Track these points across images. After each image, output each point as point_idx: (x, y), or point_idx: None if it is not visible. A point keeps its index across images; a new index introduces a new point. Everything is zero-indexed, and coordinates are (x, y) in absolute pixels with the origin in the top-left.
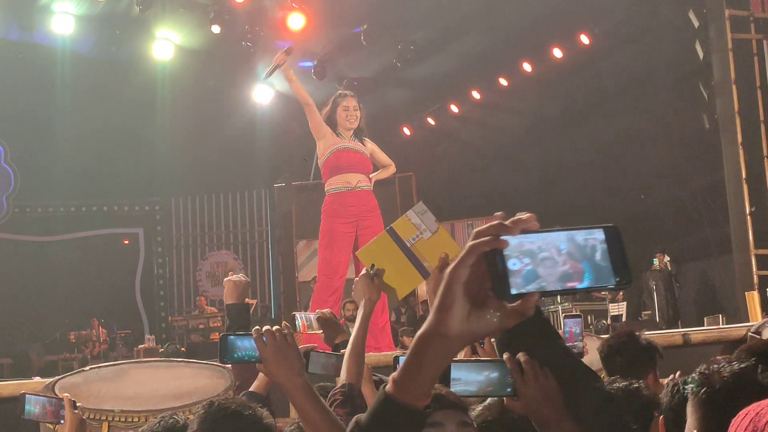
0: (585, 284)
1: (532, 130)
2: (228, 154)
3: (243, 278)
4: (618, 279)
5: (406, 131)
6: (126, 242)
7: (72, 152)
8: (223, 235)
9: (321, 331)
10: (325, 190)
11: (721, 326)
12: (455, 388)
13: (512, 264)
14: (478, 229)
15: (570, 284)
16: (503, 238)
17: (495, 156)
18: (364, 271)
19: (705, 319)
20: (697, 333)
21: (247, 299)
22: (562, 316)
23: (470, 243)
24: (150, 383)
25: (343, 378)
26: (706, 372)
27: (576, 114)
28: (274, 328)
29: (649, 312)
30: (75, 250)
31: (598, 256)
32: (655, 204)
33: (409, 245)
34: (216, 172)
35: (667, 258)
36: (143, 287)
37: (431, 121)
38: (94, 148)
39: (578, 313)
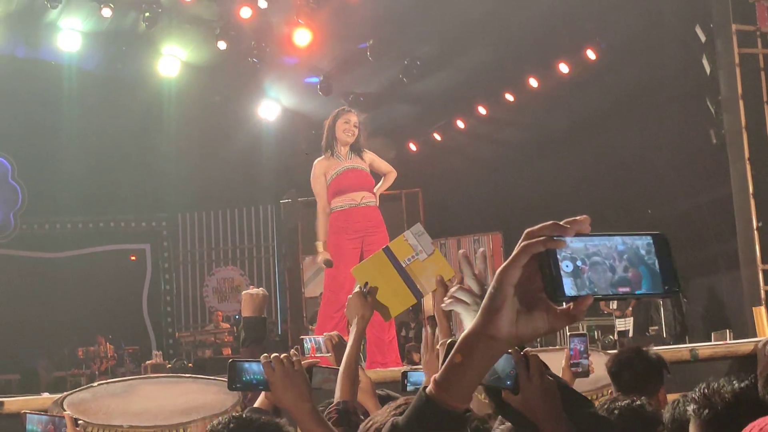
0: (638, 291)
1: (538, 145)
2: (234, 169)
3: (261, 291)
4: (667, 287)
5: (413, 146)
6: (133, 258)
7: (79, 168)
8: (229, 250)
9: (330, 353)
10: (330, 208)
11: (728, 342)
12: None
13: (565, 266)
14: (529, 229)
15: (623, 290)
16: (558, 238)
17: (502, 171)
18: (357, 289)
19: (712, 334)
20: (705, 348)
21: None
22: (567, 333)
23: (523, 243)
24: (158, 399)
25: (337, 396)
26: (707, 392)
27: (582, 129)
28: (282, 355)
29: (657, 327)
30: (82, 266)
31: (649, 262)
32: (662, 219)
33: (404, 265)
34: (222, 188)
35: None
36: (150, 303)
37: (437, 136)
38: (100, 164)
39: (583, 331)
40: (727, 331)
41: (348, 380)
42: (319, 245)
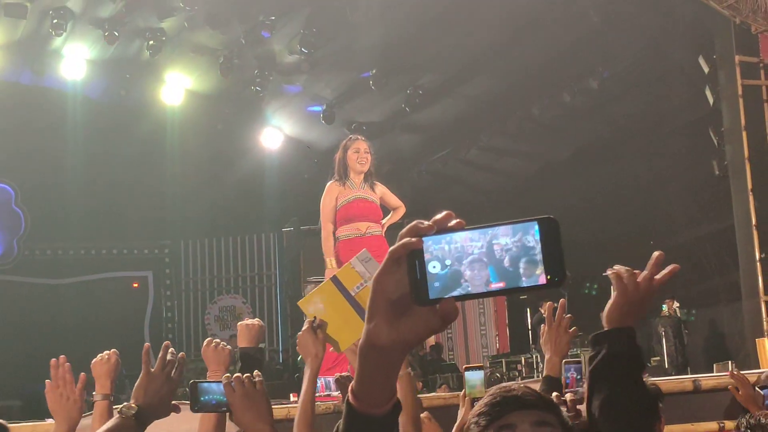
0: (513, 285)
1: (540, 175)
2: (237, 197)
3: (257, 322)
4: (549, 277)
5: (414, 176)
6: (135, 285)
7: (82, 195)
8: (231, 278)
9: (339, 393)
10: (336, 237)
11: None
12: None
13: (432, 267)
14: (401, 232)
15: (496, 285)
16: (418, 238)
17: (503, 201)
18: (306, 325)
19: (714, 365)
20: (708, 379)
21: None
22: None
23: (391, 248)
24: (162, 425)
25: None
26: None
27: (585, 159)
28: (245, 375)
29: (658, 358)
30: (84, 293)
31: (529, 252)
32: (665, 250)
33: (353, 294)
34: (225, 216)
35: (676, 304)
36: (152, 330)
37: (439, 165)
38: (103, 191)
39: (578, 358)
40: (730, 362)
41: (305, 425)
42: (329, 261)
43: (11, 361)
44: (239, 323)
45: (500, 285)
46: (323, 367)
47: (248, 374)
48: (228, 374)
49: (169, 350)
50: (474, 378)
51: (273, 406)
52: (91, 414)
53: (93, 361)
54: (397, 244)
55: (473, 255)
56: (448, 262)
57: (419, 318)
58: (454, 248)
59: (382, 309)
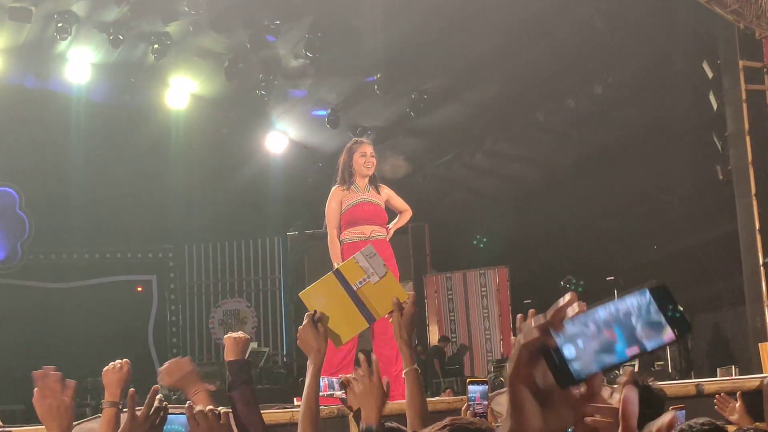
0: (649, 346)
1: (544, 180)
2: (241, 201)
3: (243, 335)
4: (677, 330)
5: (420, 180)
6: (139, 289)
7: (86, 199)
8: (236, 282)
9: (342, 394)
10: (340, 240)
11: (734, 377)
12: None
13: (568, 352)
14: (525, 330)
15: (632, 352)
16: (551, 337)
17: (508, 206)
18: (306, 320)
19: (718, 370)
20: (711, 384)
21: (255, 348)
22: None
23: (520, 343)
24: None
25: None
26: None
27: (589, 164)
28: (208, 408)
29: (662, 363)
30: (88, 297)
31: (654, 316)
32: (668, 255)
33: (355, 288)
34: (229, 220)
35: (680, 308)
36: (156, 334)
37: (444, 170)
38: (108, 195)
39: (484, 379)
40: (733, 366)
41: (310, 424)
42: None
43: (15, 365)
44: (225, 336)
45: (635, 350)
46: (327, 370)
47: (212, 407)
48: (191, 405)
49: (157, 397)
50: (476, 392)
51: (276, 411)
52: (96, 417)
53: (104, 369)
54: (528, 340)
55: (601, 331)
56: (579, 342)
57: (562, 405)
58: (581, 329)
59: (527, 401)
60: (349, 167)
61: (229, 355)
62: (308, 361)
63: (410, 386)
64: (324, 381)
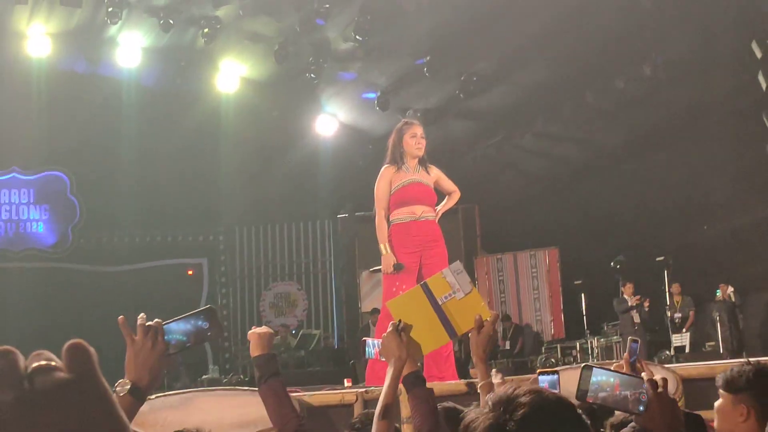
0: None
1: (594, 161)
2: (291, 184)
3: (266, 329)
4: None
5: (469, 162)
6: (190, 272)
7: (136, 183)
8: (286, 265)
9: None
10: (390, 220)
11: None
12: (591, 392)
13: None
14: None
15: None
16: None
17: (557, 187)
18: (391, 327)
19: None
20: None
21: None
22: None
23: None
24: (215, 411)
25: None
26: None
27: (638, 145)
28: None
29: (713, 343)
30: (139, 281)
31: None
32: (718, 235)
33: (440, 303)
34: (279, 203)
35: (731, 289)
36: None
37: (494, 151)
38: (158, 178)
39: (555, 369)
40: None
41: (386, 425)
42: (384, 247)
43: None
44: (249, 332)
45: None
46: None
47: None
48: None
49: (141, 316)
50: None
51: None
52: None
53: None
54: None
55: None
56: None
57: None
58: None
59: None
60: (400, 148)
61: (254, 351)
62: (389, 366)
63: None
64: (375, 347)
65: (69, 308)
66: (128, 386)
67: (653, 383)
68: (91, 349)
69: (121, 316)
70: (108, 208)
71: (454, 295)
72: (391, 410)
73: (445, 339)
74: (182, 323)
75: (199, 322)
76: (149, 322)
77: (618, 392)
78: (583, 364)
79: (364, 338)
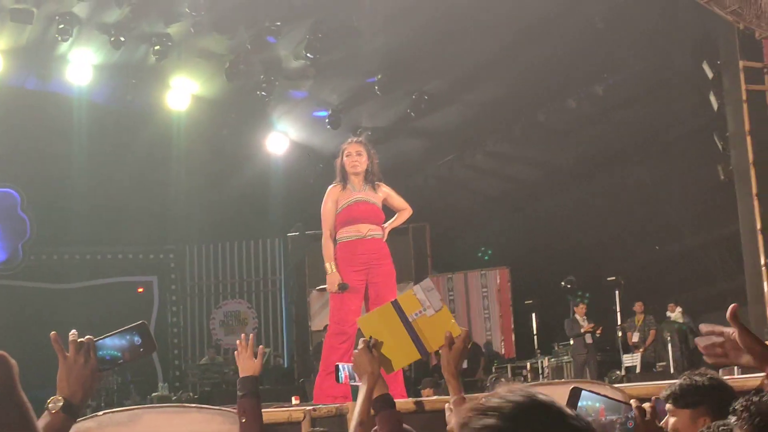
0: None
1: (545, 181)
2: (242, 202)
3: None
4: None
5: (421, 180)
6: (140, 290)
7: (87, 200)
8: (237, 283)
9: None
10: (336, 239)
11: (735, 376)
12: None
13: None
14: None
15: None
16: None
17: (509, 206)
18: (362, 344)
19: (720, 370)
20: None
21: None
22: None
23: None
24: (163, 428)
25: None
26: (755, 401)
27: (590, 165)
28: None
29: (664, 363)
30: (90, 298)
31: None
32: (670, 256)
33: (410, 320)
34: (230, 221)
35: (679, 309)
36: (157, 335)
37: (445, 170)
38: (109, 196)
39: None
40: (735, 367)
41: None
42: (329, 266)
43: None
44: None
45: None
46: (326, 369)
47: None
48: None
49: (72, 332)
50: None
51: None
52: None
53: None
54: None
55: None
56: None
57: None
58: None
59: None
60: (343, 168)
61: (246, 372)
62: (362, 383)
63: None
64: (345, 370)
65: (19, 325)
66: (61, 403)
67: (642, 410)
68: (12, 362)
69: (53, 332)
70: (59, 224)
71: (425, 312)
72: (366, 426)
73: (415, 355)
74: (116, 339)
75: (133, 338)
76: (81, 339)
77: (604, 417)
78: (573, 386)
79: (336, 363)
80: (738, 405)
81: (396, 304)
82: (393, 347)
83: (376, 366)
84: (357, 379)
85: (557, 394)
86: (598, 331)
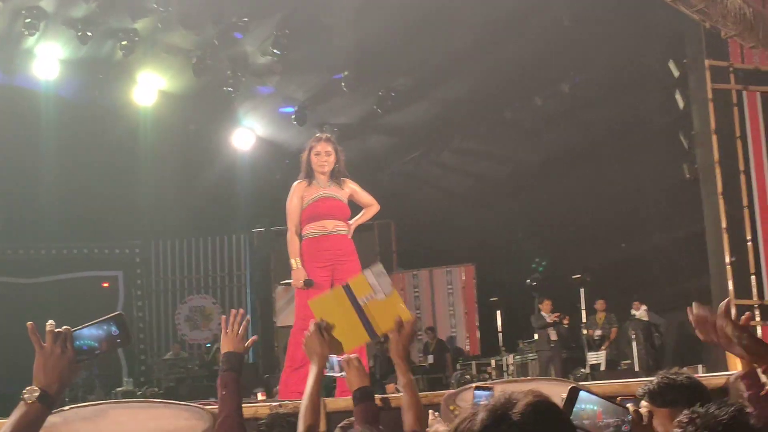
0: None
1: (512, 178)
2: (208, 198)
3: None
4: None
5: (387, 177)
6: (105, 285)
7: (53, 195)
8: (202, 278)
9: (343, 374)
10: (302, 235)
11: (700, 375)
12: (573, 417)
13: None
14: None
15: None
16: None
17: (475, 204)
18: (313, 327)
19: (685, 369)
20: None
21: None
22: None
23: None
24: (129, 423)
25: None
26: (701, 414)
27: (556, 162)
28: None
29: (629, 361)
30: (55, 293)
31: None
32: (636, 253)
33: (361, 304)
34: (196, 216)
35: (644, 307)
36: None
37: (411, 167)
38: (75, 190)
39: (490, 385)
40: (699, 366)
41: (311, 416)
42: (295, 262)
43: None
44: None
45: None
46: (292, 366)
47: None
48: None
49: (49, 323)
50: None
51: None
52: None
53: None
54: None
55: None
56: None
57: None
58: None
59: None
60: (309, 164)
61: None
62: (311, 364)
63: (409, 394)
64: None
65: None
66: (37, 393)
67: (639, 414)
68: None
69: (30, 323)
70: (25, 219)
71: (375, 296)
72: (317, 408)
73: (365, 338)
74: (93, 329)
75: (110, 328)
76: (58, 329)
77: (601, 420)
78: (570, 386)
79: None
80: (683, 417)
81: (347, 288)
82: (344, 330)
83: (326, 348)
84: (337, 370)
85: (551, 390)
86: (565, 321)
